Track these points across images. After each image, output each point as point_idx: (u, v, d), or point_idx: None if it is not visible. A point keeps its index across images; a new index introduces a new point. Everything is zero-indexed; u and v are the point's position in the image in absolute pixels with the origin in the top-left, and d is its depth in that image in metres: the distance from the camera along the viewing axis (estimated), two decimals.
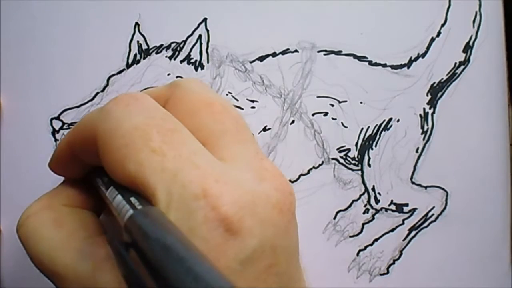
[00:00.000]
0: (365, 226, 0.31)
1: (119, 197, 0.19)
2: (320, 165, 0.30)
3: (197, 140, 0.19)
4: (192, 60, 0.30)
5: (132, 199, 0.18)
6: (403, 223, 0.31)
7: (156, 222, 0.16)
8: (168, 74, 0.29)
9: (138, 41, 0.29)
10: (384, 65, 0.30)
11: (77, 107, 0.29)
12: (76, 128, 0.22)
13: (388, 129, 0.31)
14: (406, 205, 0.31)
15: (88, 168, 0.23)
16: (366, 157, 0.31)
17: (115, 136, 0.19)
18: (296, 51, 0.30)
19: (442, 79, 0.31)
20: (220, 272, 0.14)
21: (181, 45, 0.29)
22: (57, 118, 0.29)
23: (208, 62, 0.30)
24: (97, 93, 0.29)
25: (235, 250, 0.17)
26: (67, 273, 0.20)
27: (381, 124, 0.31)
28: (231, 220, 0.17)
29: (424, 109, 0.31)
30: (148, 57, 0.29)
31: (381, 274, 0.31)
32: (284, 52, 0.30)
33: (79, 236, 0.21)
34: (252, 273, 0.17)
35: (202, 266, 0.14)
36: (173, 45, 0.29)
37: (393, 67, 0.30)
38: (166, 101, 0.22)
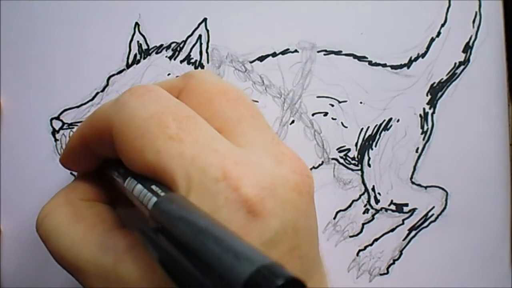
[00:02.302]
0: (365, 226, 0.31)
1: (140, 186, 0.19)
2: (320, 165, 0.30)
3: (212, 127, 0.19)
4: (192, 60, 0.30)
5: (153, 187, 0.18)
6: (403, 223, 0.31)
7: (184, 207, 0.16)
8: (168, 74, 0.29)
9: (138, 41, 0.29)
10: (384, 65, 0.30)
11: (77, 107, 0.29)
12: (89, 121, 0.22)
13: (388, 129, 0.31)
14: (406, 205, 0.31)
15: (101, 161, 0.23)
16: (366, 157, 0.31)
17: (131, 126, 0.19)
18: (296, 51, 0.30)
19: (442, 79, 0.31)
20: (259, 249, 0.14)
21: (181, 45, 0.29)
22: (57, 118, 0.29)
23: (208, 62, 0.30)
24: (97, 93, 0.29)
25: (258, 231, 0.17)
26: (89, 268, 0.20)
27: (381, 124, 0.31)
28: (253, 202, 0.17)
29: (424, 109, 0.31)
30: (148, 57, 0.29)
31: (381, 274, 0.31)
32: (284, 52, 0.30)
33: (99, 229, 0.21)
34: (275, 256, 0.17)
35: (240, 244, 0.14)
36: (173, 45, 0.29)
37: (393, 67, 0.30)
38: (179, 92, 0.22)
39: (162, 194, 0.18)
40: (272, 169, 0.18)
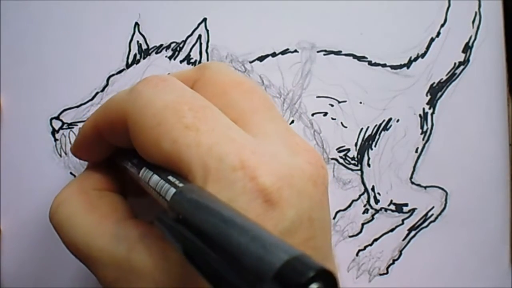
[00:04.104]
0: (364, 226, 0.31)
1: (156, 176, 0.19)
2: None
3: (227, 118, 0.19)
4: (192, 60, 0.30)
5: (170, 177, 0.18)
6: (402, 223, 0.31)
7: (205, 197, 0.16)
8: (168, 74, 0.29)
9: (138, 41, 0.29)
10: (384, 65, 0.30)
11: (77, 107, 0.29)
12: (103, 110, 0.22)
13: (387, 129, 0.31)
14: (406, 205, 0.31)
15: (113, 150, 0.23)
16: (365, 157, 0.31)
17: (146, 115, 0.19)
18: (295, 51, 0.30)
19: (441, 79, 0.31)
20: (285, 241, 0.14)
21: (181, 45, 0.30)
22: (57, 118, 0.29)
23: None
24: (97, 93, 0.29)
25: (274, 221, 0.17)
26: (102, 257, 0.20)
27: (380, 124, 0.31)
28: (270, 191, 0.17)
29: (423, 109, 0.31)
30: (148, 57, 0.29)
31: (380, 274, 0.31)
32: (283, 52, 0.30)
33: (112, 219, 0.21)
34: None
35: (266, 235, 0.14)
36: (173, 45, 0.29)
37: (392, 67, 0.30)
38: (193, 83, 0.22)
39: (180, 184, 0.17)
40: (287, 160, 0.18)
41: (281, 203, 0.17)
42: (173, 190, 0.17)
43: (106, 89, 0.29)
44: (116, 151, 0.23)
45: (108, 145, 0.23)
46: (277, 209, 0.17)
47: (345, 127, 0.30)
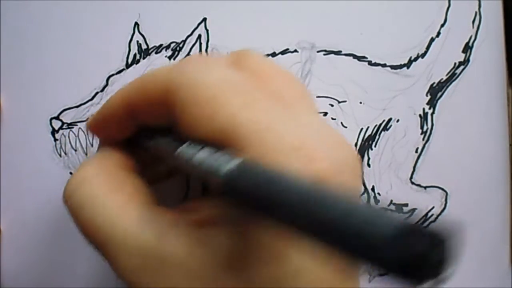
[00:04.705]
0: None
1: (204, 152, 0.17)
2: None
3: None
4: None
5: (219, 153, 0.17)
6: None
7: (270, 172, 0.15)
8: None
9: (137, 41, 0.29)
10: (384, 65, 0.30)
11: (77, 107, 0.29)
12: (140, 86, 0.21)
13: (387, 129, 0.31)
14: (406, 205, 0.31)
15: (136, 129, 0.22)
16: (365, 157, 0.31)
17: (201, 87, 0.18)
18: (295, 51, 0.30)
19: (441, 79, 0.31)
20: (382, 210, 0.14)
21: (181, 45, 0.29)
22: (57, 118, 0.29)
23: None
24: (97, 93, 0.29)
25: None
26: (126, 242, 0.18)
27: (380, 124, 0.31)
28: (327, 174, 0.17)
29: (423, 109, 0.31)
30: (148, 57, 0.29)
31: (380, 275, 0.31)
32: (283, 52, 0.30)
33: (138, 201, 0.20)
34: None
35: (367, 207, 0.13)
36: (172, 45, 0.29)
37: (392, 67, 0.30)
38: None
39: (235, 160, 0.16)
40: (338, 146, 0.18)
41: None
42: (235, 161, 0.16)
43: (106, 89, 0.29)
44: (140, 130, 0.22)
45: (135, 124, 0.21)
46: None
47: (345, 127, 0.30)
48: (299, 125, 0.18)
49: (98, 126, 0.23)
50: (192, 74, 0.19)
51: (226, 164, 0.16)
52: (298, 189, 0.13)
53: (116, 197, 0.20)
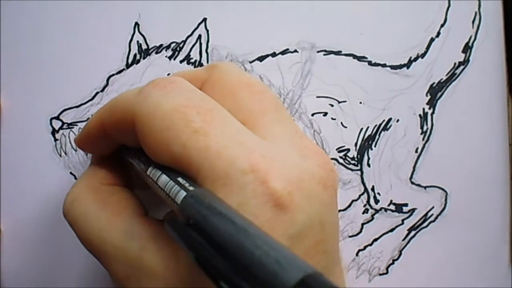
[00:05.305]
0: (364, 226, 0.31)
1: (165, 177, 0.19)
2: None
3: (236, 120, 0.19)
4: (192, 60, 0.30)
5: (180, 179, 0.18)
6: (402, 223, 0.31)
7: (217, 203, 0.16)
8: (168, 74, 0.29)
9: (138, 41, 0.29)
10: (384, 65, 0.30)
11: (77, 107, 0.29)
12: (110, 109, 0.22)
13: (387, 129, 0.31)
14: (406, 205, 0.31)
15: (117, 146, 0.23)
16: (365, 157, 0.31)
17: (155, 118, 0.19)
18: (295, 51, 0.30)
19: (441, 79, 0.31)
20: (299, 257, 0.14)
21: (181, 45, 0.30)
22: (57, 118, 0.29)
23: (208, 62, 0.30)
24: (97, 93, 0.29)
25: (284, 225, 0.17)
26: (116, 253, 0.20)
27: (380, 124, 0.31)
28: (280, 195, 0.17)
29: (423, 109, 0.31)
30: (148, 57, 0.29)
31: (380, 274, 0.31)
32: (283, 52, 0.30)
33: (124, 216, 0.21)
34: (300, 250, 0.17)
35: (280, 248, 0.14)
36: (172, 45, 0.29)
37: (392, 67, 0.30)
38: (202, 83, 0.22)
39: (191, 188, 0.17)
40: (297, 163, 0.18)
41: (291, 207, 0.17)
42: (183, 193, 0.17)
43: (106, 89, 0.29)
44: (121, 147, 0.23)
45: (114, 142, 0.23)
46: (288, 213, 0.17)
47: (345, 127, 0.30)
48: (256, 143, 0.18)
49: (82, 142, 0.24)
50: (149, 103, 0.19)
51: (179, 192, 0.17)
52: (230, 225, 0.15)
53: (104, 214, 0.21)
